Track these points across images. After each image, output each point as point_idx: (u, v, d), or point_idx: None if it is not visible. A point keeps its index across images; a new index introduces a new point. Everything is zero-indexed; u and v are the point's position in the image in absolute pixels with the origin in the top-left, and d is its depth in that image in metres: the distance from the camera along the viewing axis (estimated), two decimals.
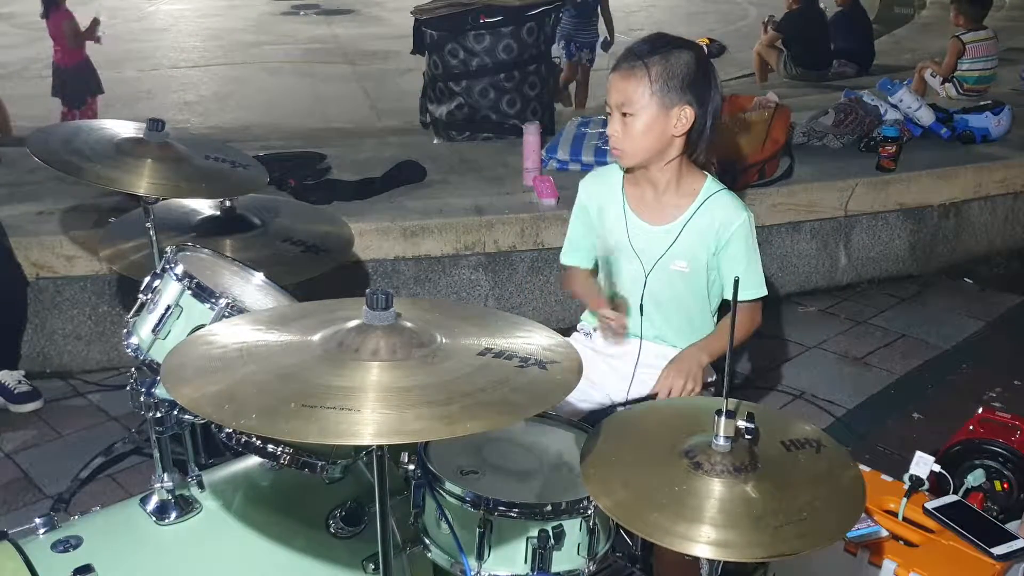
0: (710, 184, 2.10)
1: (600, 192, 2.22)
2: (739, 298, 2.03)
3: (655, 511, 1.31)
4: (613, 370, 2.20)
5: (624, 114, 1.99)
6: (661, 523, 1.29)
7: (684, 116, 1.98)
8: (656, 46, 1.99)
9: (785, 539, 1.27)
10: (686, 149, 2.05)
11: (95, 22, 6.54)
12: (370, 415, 1.18)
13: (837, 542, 1.96)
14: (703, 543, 1.26)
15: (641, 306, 2.16)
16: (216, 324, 1.63)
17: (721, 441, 1.38)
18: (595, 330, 2.30)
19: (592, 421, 1.95)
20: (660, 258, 2.10)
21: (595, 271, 2.29)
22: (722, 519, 1.29)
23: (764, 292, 2.12)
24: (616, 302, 2.16)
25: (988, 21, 6.38)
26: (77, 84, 6.51)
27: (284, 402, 1.20)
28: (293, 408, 1.19)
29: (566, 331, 2.28)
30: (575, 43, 7.47)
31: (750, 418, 1.42)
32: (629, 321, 2.17)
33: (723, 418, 1.37)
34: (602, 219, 2.21)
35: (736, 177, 3.91)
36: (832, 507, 1.35)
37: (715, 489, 1.34)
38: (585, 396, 2.18)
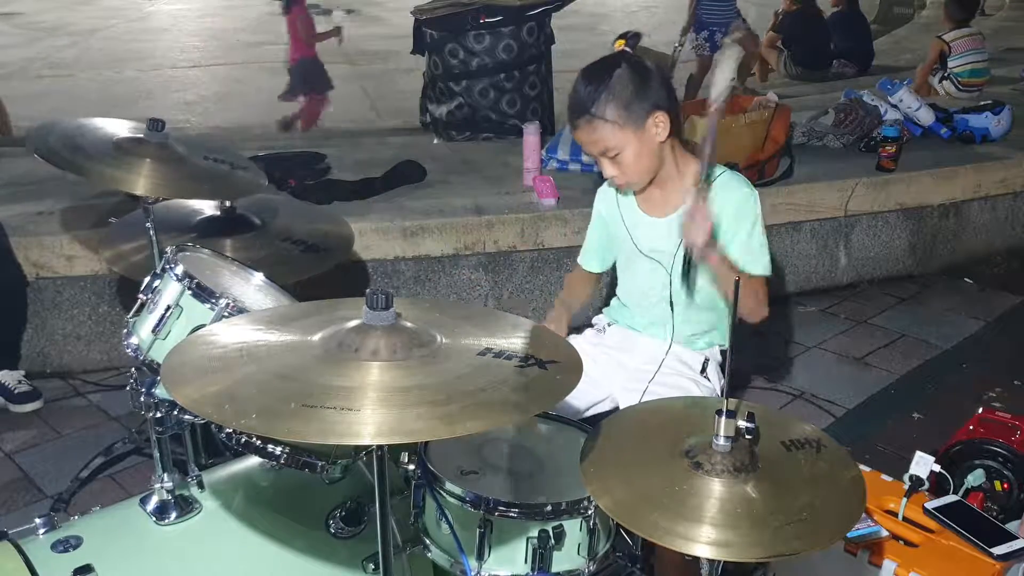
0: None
1: (613, 199, 2.22)
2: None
3: (655, 511, 1.31)
4: (621, 366, 2.18)
5: (610, 157, 1.99)
6: (661, 523, 1.29)
7: (659, 122, 1.97)
8: (590, 86, 1.95)
9: (785, 539, 1.27)
10: (675, 141, 2.05)
11: (337, 30, 6.99)
12: (370, 415, 1.18)
13: (837, 542, 1.96)
14: (703, 543, 1.26)
15: (671, 303, 2.13)
16: (216, 324, 1.63)
17: (721, 441, 1.38)
18: (609, 325, 2.29)
19: (592, 422, 1.95)
20: (676, 251, 2.07)
21: (601, 276, 2.37)
22: (722, 519, 1.29)
23: (766, 272, 2.06)
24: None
25: (989, 21, 6.40)
26: (295, 80, 6.61)
27: (284, 402, 1.20)
28: (293, 408, 1.19)
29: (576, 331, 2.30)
30: (720, 30, 6.92)
31: (750, 418, 1.42)
32: (647, 322, 2.20)
33: (723, 418, 1.37)
34: (617, 225, 2.21)
35: None
36: (832, 507, 1.36)
37: (715, 489, 1.34)
38: (585, 395, 2.16)
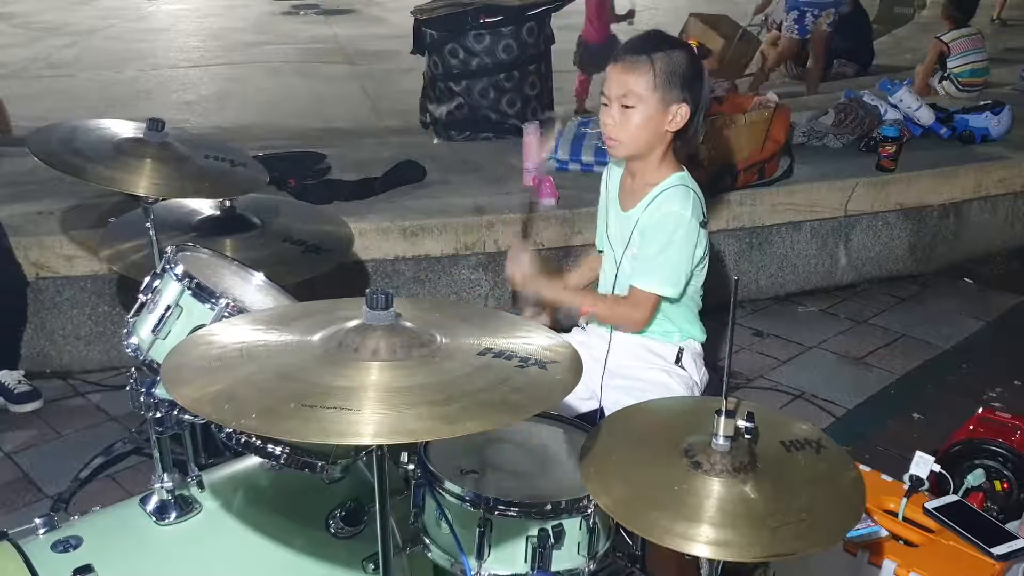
0: (675, 178, 2.10)
1: (609, 181, 2.28)
2: (633, 282, 2.08)
3: (654, 510, 1.31)
4: (595, 361, 2.20)
5: (624, 106, 2.02)
6: (660, 522, 1.29)
7: (680, 113, 2.03)
8: (657, 43, 2.03)
9: (784, 540, 1.27)
10: (672, 144, 2.09)
11: (631, 12, 7.33)
12: (370, 415, 1.18)
13: (837, 543, 1.96)
14: (702, 542, 1.26)
15: (614, 294, 2.19)
16: (216, 324, 1.63)
17: (721, 441, 1.38)
18: (587, 324, 2.31)
19: (581, 416, 1.96)
20: (625, 245, 2.13)
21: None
22: (721, 518, 1.29)
23: (661, 291, 2.07)
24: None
25: (989, 21, 6.41)
26: (600, 56, 6.87)
27: (284, 402, 1.20)
28: (293, 408, 1.19)
29: (566, 331, 2.30)
30: (812, 11, 6.71)
31: (750, 418, 1.42)
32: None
33: (723, 418, 1.37)
34: (603, 207, 2.28)
35: (736, 177, 3.92)
36: (831, 508, 1.35)
37: (714, 489, 1.34)
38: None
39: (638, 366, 2.17)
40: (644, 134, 2.05)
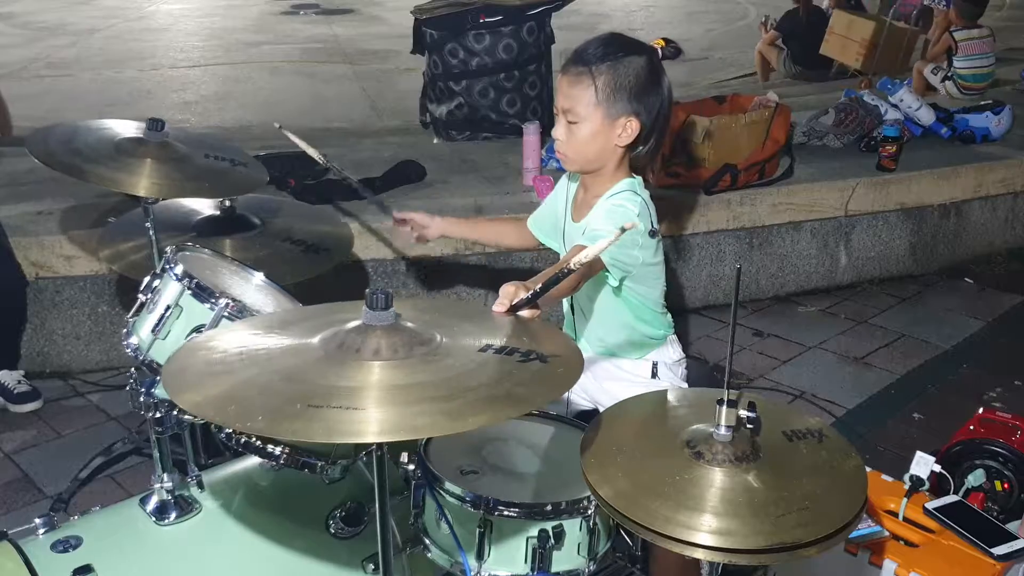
0: (623, 183, 1.98)
1: (563, 189, 2.18)
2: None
3: (656, 500, 1.30)
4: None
5: (569, 121, 1.92)
6: (662, 512, 1.28)
7: (629, 127, 1.91)
8: (607, 51, 1.89)
9: (787, 528, 1.26)
10: (625, 156, 1.98)
11: None
12: (374, 413, 1.18)
13: (839, 536, 1.96)
14: (704, 532, 1.25)
15: (572, 306, 2.11)
16: (214, 330, 1.63)
17: (722, 431, 1.37)
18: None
19: (581, 416, 1.94)
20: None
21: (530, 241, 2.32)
22: (724, 508, 1.29)
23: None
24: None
25: (988, 20, 6.40)
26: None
27: (289, 403, 1.20)
28: (299, 409, 1.18)
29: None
30: None
31: (751, 407, 1.41)
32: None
33: (724, 407, 1.37)
34: (560, 218, 2.17)
35: (736, 177, 3.92)
36: (834, 496, 1.35)
37: (716, 478, 1.33)
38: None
39: (615, 388, 2.07)
40: (590, 150, 1.93)
